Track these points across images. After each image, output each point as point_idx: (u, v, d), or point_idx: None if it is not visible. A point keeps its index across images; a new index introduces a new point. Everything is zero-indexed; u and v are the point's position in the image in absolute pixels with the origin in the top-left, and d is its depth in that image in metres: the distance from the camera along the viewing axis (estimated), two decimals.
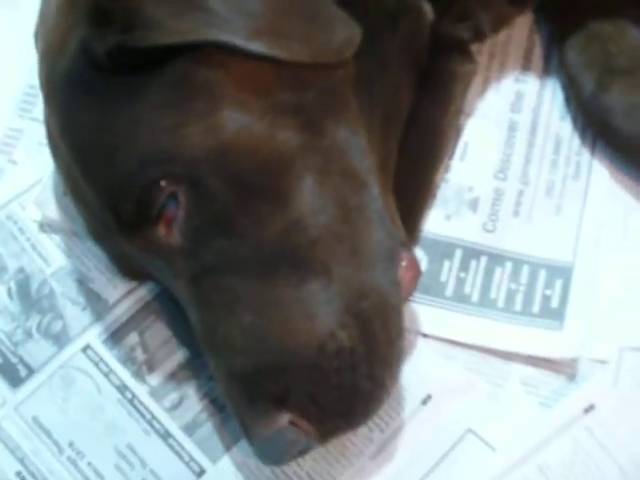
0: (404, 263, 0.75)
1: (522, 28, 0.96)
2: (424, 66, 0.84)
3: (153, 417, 0.81)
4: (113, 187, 0.71)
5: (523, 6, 0.93)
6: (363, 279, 0.72)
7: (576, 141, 0.90)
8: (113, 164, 0.71)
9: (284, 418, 0.70)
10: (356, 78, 0.76)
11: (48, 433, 0.81)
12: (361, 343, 0.71)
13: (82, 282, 0.86)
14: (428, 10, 0.82)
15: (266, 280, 0.71)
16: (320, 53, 0.71)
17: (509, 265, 0.85)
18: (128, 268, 0.79)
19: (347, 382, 0.71)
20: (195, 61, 0.70)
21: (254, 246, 0.70)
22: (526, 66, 0.95)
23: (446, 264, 0.85)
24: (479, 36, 0.90)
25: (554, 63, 0.93)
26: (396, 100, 0.81)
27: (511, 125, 0.91)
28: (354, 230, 0.73)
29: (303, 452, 0.73)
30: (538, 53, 0.95)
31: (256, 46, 0.69)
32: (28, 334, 0.84)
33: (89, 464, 0.79)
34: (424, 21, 0.82)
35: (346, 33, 0.73)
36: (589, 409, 0.79)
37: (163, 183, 0.70)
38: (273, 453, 0.72)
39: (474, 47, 0.91)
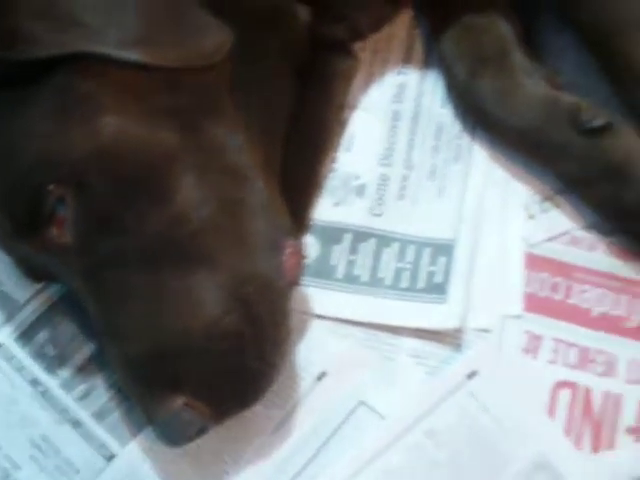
0: (288, 250, 0.80)
1: (403, 24, 1.02)
2: (306, 65, 0.89)
3: (64, 408, 0.85)
4: (7, 192, 0.76)
5: (399, 6, 0.99)
6: (247, 266, 0.77)
7: (456, 126, 0.96)
8: (7, 170, 0.76)
9: (179, 400, 0.75)
10: (233, 79, 0.81)
11: None
12: (247, 326, 0.76)
13: None
14: (304, 13, 0.88)
15: (154, 272, 0.76)
16: (191, 58, 0.76)
17: (396, 245, 0.90)
18: (32, 270, 0.84)
19: (236, 364, 0.76)
20: (75, 72, 0.75)
21: (140, 241, 0.76)
22: (408, 60, 1.00)
23: (336, 248, 0.90)
24: (357, 35, 0.96)
25: (434, 56, 0.99)
26: (277, 98, 0.86)
27: (394, 115, 0.97)
28: (236, 222, 0.78)
29: (201, 432, 0.77)
30: (419, 47, 1.01)
31: (128, 55, 0.74)
32: None
33: (5, 456, 0.84)
34: (300, 23, 0.88)
35: (216, 38, 0.78)
36: (472, 375, 0.85)
37: (51, 187, 0.74)
38: (172, 434, 0.77)
39: (357, 44, 0.97)
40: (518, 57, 0.93)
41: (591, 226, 0.91)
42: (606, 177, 0.87)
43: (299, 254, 0.82)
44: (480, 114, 0.93)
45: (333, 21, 0.92)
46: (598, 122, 0.86)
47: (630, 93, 0.89)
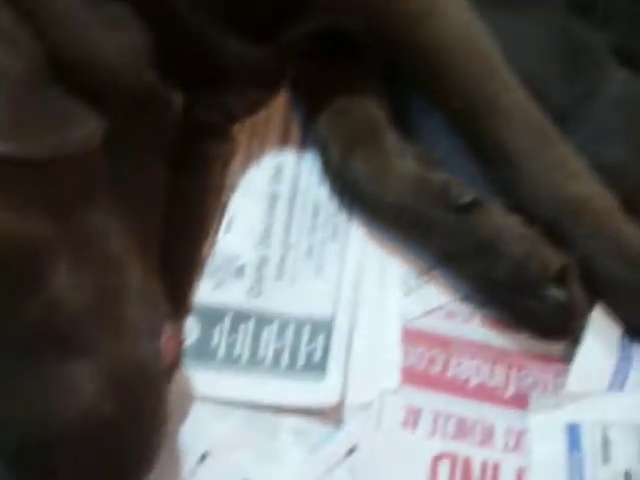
0: (167, 335, 0.81)
1: (280, 106, 1.04)
2: (182, 149, 0.91)
3: None
4: None
5: (275, 89, 1.02)
6: (124, 353, 0.78)
7: (333, 206, 0.98)
8: None
9: None
10: (106, 166, 0.82)
11: None
12: (125, 412, 0.77)
13: None
14: (177, 98, 0.90)
15: (30, 359, 0.76)
16: (60, 148, 0.77)
17: (275, 325, 0.92)
18: None
19: (114, 450, 0.77)
20: None
21: (16, 328, 0.76)
22: (285, 141, 1.03)
23: (217, 329, 0.92)
24: (233, 119, 0.98)
25: (310, 137, 1.02)
26: (152, 185, 0.88)
27: (272, 196, 0.99)
28: (113, 309, 0.79)
29: None
30: (295, 129, 1.04)
31: None
32: None
33: None
34: (174, 109, 0.89)
35: (86, 127, 0.79)
36: (351, 451, 0.86)
37: None
38: None
39: (235, 127, 1.00)
40: (389, 138, 0.96)
41: (466, 299, 0.94)
42: (477, 253, 0.90)
43: (178, 338, 0.83)
44: (354, 194, 0.96)
45: (208, 106, 0.94)
46: (466, 199, 0.89)
47: (497, 172, 0.92)
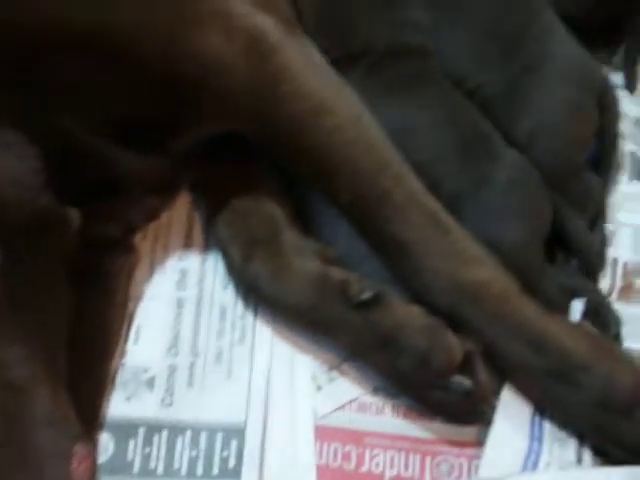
0: (78, 455, 0.81)
1: (183, 207, 1.06)
2: (83, 265, 0.91)
3: None
4: None
5: (174, 193, 1.03)
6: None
7: (239, 307, 0.99)
8: None
9: None
10: (7, 293, 0.82)
11: None
12: None
13: None
14: (74, 216, 0.90)
15: None
16: None
17: (188, 434, 0.92)
18: None
19: None
20: None
21: None
22: (188, 244, 1.04)
23: (131, 443, 0.91)
24: (133, 230, 0.99)
25: (213, 238, 1.02)
26: (55, 306, 0.88)
27: (179, 302, 1.00)
28: (20, 436, 0.79)
29: None
30: (198, 230, 1.05)
31: None
32: None
33: None
34: (71, 227, 0.90)
35: None
36: None
37: None
38: None
39: (137, 234, 1.00)
40: (288, 237, 0.97)
41: (377, 390, 0.95)
42: (380, 348, 0.91)
43: (91, 457, 0.83)
44: (258, 295, 0.96)
45: (105, 220, 0.95)
46: (366, 295, 0.91)
47: (394, 264, 0.94)
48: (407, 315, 0.91)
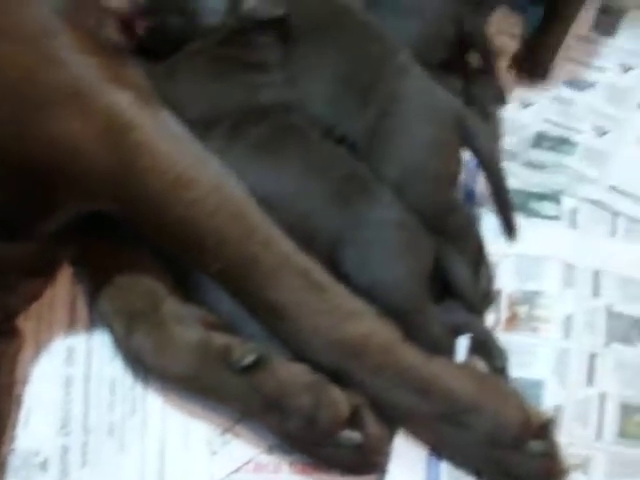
0: None
1: (64, 284, 1.05)
2: None
3: None
4: None
5: (49, 276, 1.03)
6: None
7: (129, 379, 0.99)
8: None
9: None
10: None
11: None
12: None
13: None
14: None
15: None
16: None
17: None
18: None
19: None
20: None
21: None
22: (73, 320, 1.03)
23: None
24: (14, 315, 0.99)
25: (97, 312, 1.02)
26: None
27: (67, 380, 0.99)
28: None
29: None
30: (82, 304, 1.04)
31: None
32: None
33: None
34: None
35: None
36: None
37: None
38: None
39: (20, 315, 1.00)
40: (168, 307, 0.97)
41: (273, 448, 0.96)
42: (268, 409, 0.91)
43: None
44: (143, 367, 0.97)
45: None
46: (248, 360, 0.91)
47: (272, 327, 0.95)
48: (290, 375, 0.92)
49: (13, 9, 0.91)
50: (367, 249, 1.00)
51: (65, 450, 0.95)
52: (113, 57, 0.97)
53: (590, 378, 1.01)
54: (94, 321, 1.02)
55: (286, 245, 0.94)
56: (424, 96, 1.09)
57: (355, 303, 0.94)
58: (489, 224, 1.10)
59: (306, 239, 0.97)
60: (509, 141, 1.20)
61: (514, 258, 1.09)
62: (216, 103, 1.05)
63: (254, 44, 1.09)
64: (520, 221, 1.09)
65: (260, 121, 1.04)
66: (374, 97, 1.07)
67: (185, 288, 1.01)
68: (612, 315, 1.05)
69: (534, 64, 1.27)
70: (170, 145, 0.94)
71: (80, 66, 0.92)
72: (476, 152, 1.08)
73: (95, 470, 0.94)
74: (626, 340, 1.03)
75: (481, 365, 0.99)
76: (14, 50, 0.89)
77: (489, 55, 1.22)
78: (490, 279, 1.07)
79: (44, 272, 1.01)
